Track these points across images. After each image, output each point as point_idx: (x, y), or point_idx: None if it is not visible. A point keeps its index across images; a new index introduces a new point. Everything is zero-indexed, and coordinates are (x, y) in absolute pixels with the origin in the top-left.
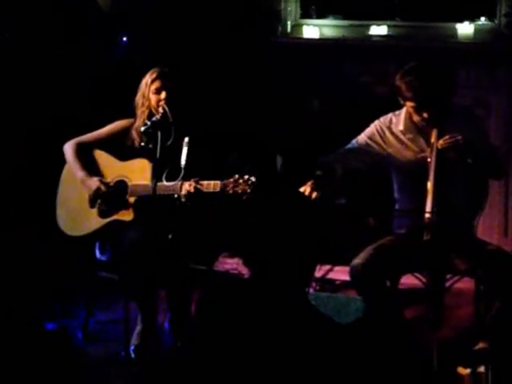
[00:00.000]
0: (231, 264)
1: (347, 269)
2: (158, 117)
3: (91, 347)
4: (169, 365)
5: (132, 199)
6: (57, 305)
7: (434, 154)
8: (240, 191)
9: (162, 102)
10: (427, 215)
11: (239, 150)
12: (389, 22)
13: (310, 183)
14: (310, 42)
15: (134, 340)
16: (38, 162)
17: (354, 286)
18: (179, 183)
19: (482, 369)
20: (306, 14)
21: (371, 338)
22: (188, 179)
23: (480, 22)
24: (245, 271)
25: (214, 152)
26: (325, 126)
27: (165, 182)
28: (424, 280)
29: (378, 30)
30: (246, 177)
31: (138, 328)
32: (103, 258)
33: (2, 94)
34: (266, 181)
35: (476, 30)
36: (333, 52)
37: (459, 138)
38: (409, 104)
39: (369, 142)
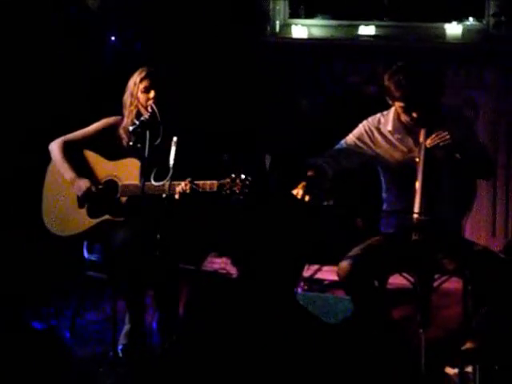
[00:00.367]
0: (219, 264)
1: (335, 269)
2: (146, 116)
3: (79, 347)
4: (157, 364)
5: (123, 199)
6: (45, 304)
7: (422, 153)
8: (237, 191)
9: (150, 102)
10: (415, 215)
11: (229, 149)
12: (377, 22)
13: (301, 186)
14: (299, 41)
15: (122, 340)
16: (22, 161)
17: (342, 286)
18: (168, 183)
19: (469, 369)
20: (295, 14)
21: (359, 337)
22: (176, 179)
23: (468, 23)
24: (233, 271)
25: (202, 151)
26: (313, 125)
27: (153, 182)
28: (412, 280)
29: (367, 29)
30: (243, 177)
31: (126, 328)
32: (91, 258)
33: None
34: (255, 180)
35: (464, 31)
36: (321, 52)
37: (446, 135)
38: (397, 104)
39: (357, 142)
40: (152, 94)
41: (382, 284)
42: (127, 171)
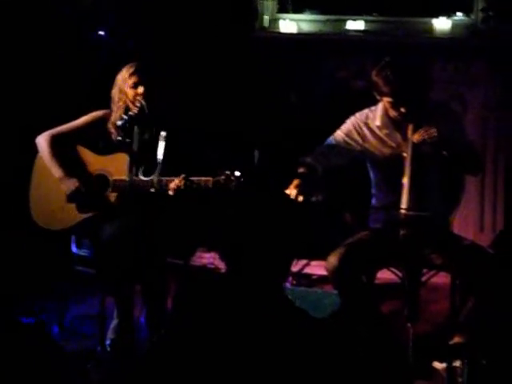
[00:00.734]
0: (208, 258)
1: (324, 263)
2: (134, 111)
3: (67, 341)
4: (145, 359)
5: (112, 196)
6: (33, 299)
7: (409, 149)
8: (232, 188)
9: (139, 97)
10: (403, 211)
11: (218, 144)
12: (366, 17)
13: (294, 185)
14: (287, 36)
15: (110, 334)
16: (8, 155)
17: (330, 281)
18: (156, 178)
19: (457, 363)
20: (283, 9)
21: (347, 332)
22: (164, 174)
23: (457, 18)
24: (221, 266)
25: (191, 146)
26: (302, 120)
27: (141, 177)
28: (400, 275)
29: (355, 24)
30: (238, 173)
31: (114, 322)
32: (80, 253)
33: None
34: (244, 175)
35: (453, 25)
36: (310, 47)
37: (434, 130)
38: (385, 99)
39: (346, 138)
40: (141, 89)
41: (370, 279)
42: (117, 166)
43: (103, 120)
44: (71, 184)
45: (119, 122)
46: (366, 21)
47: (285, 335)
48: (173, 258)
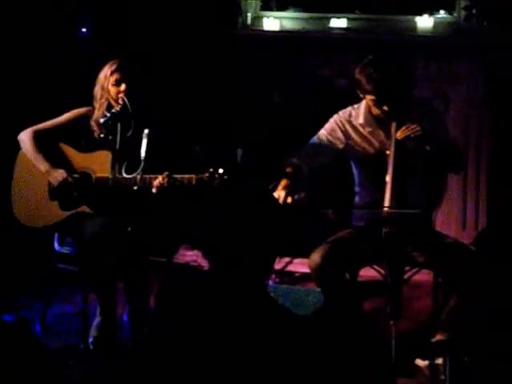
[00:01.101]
0: (191, 256)
1: (306, 261)
2: (117, 108)
3: (50, 339)
4: (127, 357)
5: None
6: (15, 297)
7: (392, 146)
8: (216, 185)
9: (121, 95)
10: (385, 208)
11: (201, 142)
12: (349, 15)
13: (283, 186)
14: (270, 34)
15: (93, 332)
16: None
17: (313, 279)
18: (139, 175)
19: (439, 360)
20: (267, 6)
21: (330, 329)
22: (147, 171)
23: (439, 15)
24: (204, 263)
25: (174, 144)
26: (285, 117)
27: (124, 174)
28: (383, 272)
29: (338, 22)
30: (221, 171)
31: (97, 320)
32: (62, 250)
33: None
34: (227, 173)
35: (435, 23)
36: (293, 44)
37: (417, 127)
38: (368, 97)
39: (329, 137)
40: (123, 87)
41: (353, 276)
42: (100, 163)
43: (85, 117)
44: (59, 175)
45: (102, 120)
46: (349, 19)
47: (267, 333)
48: (156, 256)
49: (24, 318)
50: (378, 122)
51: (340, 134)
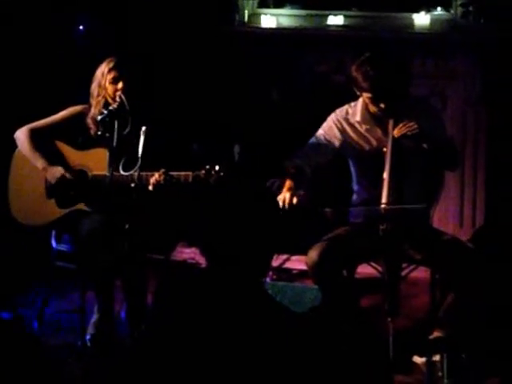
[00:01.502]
0: (188, 253)
1: (304, 258)
2: (114, 106)
3: (47, 336)
4: (125, 354)
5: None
6: (13, 294)
7: (389, 144)
8: (212, 182)
9: (118, 92)
10: (383, 205)
11: (199, 139)
12: (346, 12)
13: (287, 187)
14: (268, 31)
15: (91, 329)
16: None
17: (310, 276)
18: (136, 173)
19: (437, 357)
20: (264, 4)
21: (328, 327)
22: (145, 169)
23: (436, 13)
24: (202, 261)
25: (171, 141)
26: (283, 114)
27: (122, 172)
28: (380, 269)
29: (335, 19)
30: (218, 168)
31: (95, 317)
32: (60, 248)
33: None
34: (224, 170)
35: (432, 21)
36: (290, 42)
37: (414, 124)
38: (365, 95)
39: (327, 136)
40: (120, 84)
41: (351, 273)
42: (96, 161)
43: (82, 115)
44: (56, 171)
45: (99, 117)
46: (346, 16)
47: (265, 330)
48: (153, 253)
49: (21, 316)
50: (375, 119)
51: (337, 132)
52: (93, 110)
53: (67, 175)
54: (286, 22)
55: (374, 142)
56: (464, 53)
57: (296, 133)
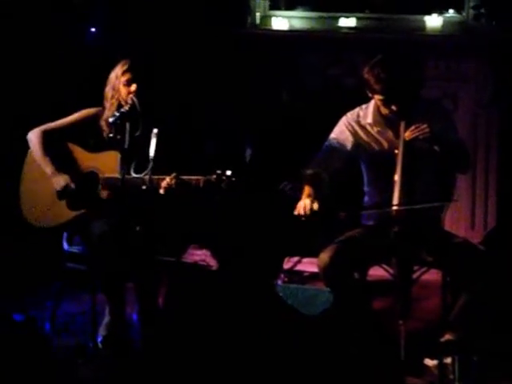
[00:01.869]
0: (200, 256)
1: (315, 260)
2: (126, 108)
3: (59, 338)
4: (136, 356)
5: (104, 193)
6: (25, 296)
7: (401, 146)
8: (224, 187)
9: (131, 94)
10: (394, 207)
11: (210, 141)
12: (358, 14)
13: (306, 195)
14: (279, 33)
15: (102, 331)
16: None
17: (322, 278)
18: (148, 175)
19: (448, 360)
20: (275, 6)
21: (339, 329)
22: (156, 171)
23: (448, 15)
24: (213, 263)
25: (183, 143)
26: (294, 117)
27: (133, 174)
28: (392, 272)
29: (347, 21)
30: (229, 173)
31: (106, 319)
32: (71, 250)
33: None
34: (236, 172)
35: (444, 23)
36: (302, 44)
37: (426, 127)
38: (377, 97)
39: (340, 140)
40: (133, 87)
41: (362, 276)
42: (108, 163)
43: (95, 117)
44: (62, 180)
45: (111, 119)
46: (358, 18)
47: (276, 333)
48: (164, 256)
49: (33, 318)
50: (386, 121)
51: (349, 135)
52: (106, 113)
53: (72, 185)
54: (297, 24)
55: (386, 145)
56: (476, 55)
57: (307, 135)
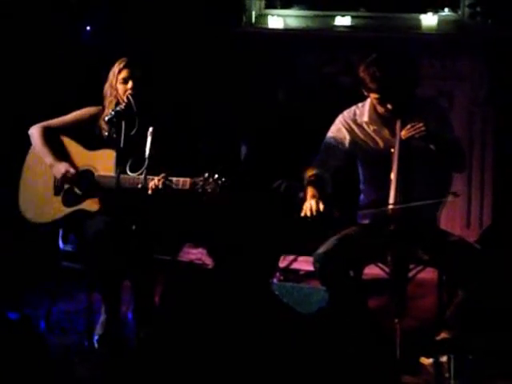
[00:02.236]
0: (195, 254)
1: (311, 259)
2: (121, 106)
3: (54, 337)
4: (132, 355)
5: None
6: (20, 295)
7: (397, 145)
8: (210, 190)
9: (128, 92)
10: (390, 206)
11: (206, 140)
12: (353, 13)
13: (310, 196)
14: (275, 32)
15: (98, 330)
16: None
17: (317, 276)
18: (143, 175)
19: (444, 358)
20: (271, 5)
21: (334, 328)
22: (152, 169)
23: (444, 13)
24: (209, 261)
25: (179, 142)
26: (289, 115)
27: (128, 173)
28: (387, 270)
29: (343, 20)
30: (217, 176)
31: (102, 318)
32: (66, 248)
33: None
34: (230, 171)
35: (440, 21)
36: (297, 42)
37: (422, 126)
38: (373, 95)
39: (337, 138)
40: (130, 84)
41: (358, 274)
42: (103, 162)
43: (96, 116)
44: (62, 167)
45: (106, 117)
46: (354, 16)
47: (272, 331)
48: (160, 254)
49: (28, 316)
50: (382, 120)
51: (345, 133)
52: (105, 111)
53: (71, 171)
54: (293, 22)
55: (382, 143)
56: (471, 53)
57: (303, 134)
